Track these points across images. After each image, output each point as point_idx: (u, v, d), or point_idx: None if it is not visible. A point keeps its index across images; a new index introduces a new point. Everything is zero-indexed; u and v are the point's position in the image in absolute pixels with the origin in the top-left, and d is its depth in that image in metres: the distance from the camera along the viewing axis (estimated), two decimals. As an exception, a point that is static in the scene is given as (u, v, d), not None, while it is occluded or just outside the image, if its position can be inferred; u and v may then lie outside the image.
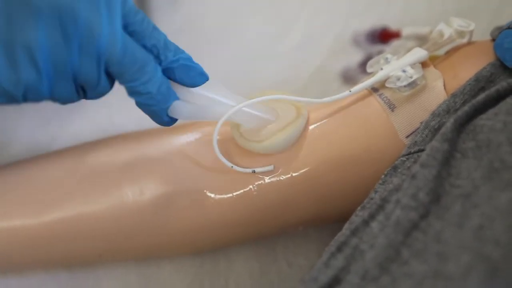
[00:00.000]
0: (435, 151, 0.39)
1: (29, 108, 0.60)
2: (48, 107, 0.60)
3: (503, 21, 0.48)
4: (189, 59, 0.41)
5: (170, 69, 0.40)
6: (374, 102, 0.47)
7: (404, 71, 0.46)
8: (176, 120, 0.42)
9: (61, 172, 0.47)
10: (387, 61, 0.48)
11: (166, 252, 0.50)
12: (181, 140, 0.48)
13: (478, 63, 0.46)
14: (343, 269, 0.38)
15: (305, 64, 0.64)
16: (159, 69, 0.39)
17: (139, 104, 0.40)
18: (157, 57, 0.39)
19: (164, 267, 0.52)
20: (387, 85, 0.46)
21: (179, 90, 0.41)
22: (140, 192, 0.46)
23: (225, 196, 0.46)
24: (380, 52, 0.50)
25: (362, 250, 0.38)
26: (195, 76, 0.40)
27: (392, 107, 0.46)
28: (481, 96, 0.42)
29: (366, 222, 0.40)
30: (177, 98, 0.41)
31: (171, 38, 0.64)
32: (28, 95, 0.36)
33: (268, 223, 0.47)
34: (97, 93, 0.39)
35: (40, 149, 0.57)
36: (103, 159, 0.48)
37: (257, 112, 0.45)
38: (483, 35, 0.51)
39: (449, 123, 0.40)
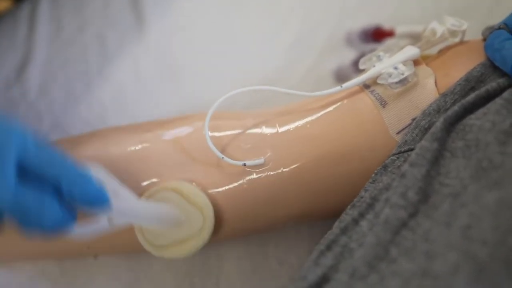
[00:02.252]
0: (425, 150, 0.39)
1: (22, 106, 0.60)
2: (41, 105, 0.60)
3: (496, 21, 0.48)
4: (95, 192, 0.36)
5: (73, 201, 0.36)
6: (366, 98, 0.47)
7: (396, 68, 0.46)
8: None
9: None
10: (379, 58, 0.48)
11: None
12: (172, 133, 0.48)
13: (469, 63, 0.46)
14: (332, 267, 0.38)
15: (298, 63, 0.64)
16: (57, 207, 0.35)
17: None
18: (59, 192, 0.36)
19: (155, 265, 0.52)
20: (378, 81, 0.46)
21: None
22: (130, 185, 0.46)
23: (215, 190, 0.46)
24: (373, 51, 0.50)
25: (351, 248, 0.38)
26: (98, 208, 0.37)
27: (383, 103, 0.46)
28: (471, 96, 0.42)
29: (355, 221, 0.40)
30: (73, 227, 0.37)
31: (164, 38, 0.65)
32: None
33: (258, 218, 0.47)
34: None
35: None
36: (93, 151, 0.48)
37: (159, 214, 0.43)
38: (476, 34, 0.51)
39: (439, 122, 0.41)
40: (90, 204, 0.36)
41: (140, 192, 0.46)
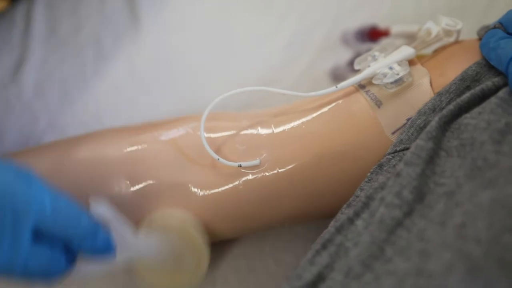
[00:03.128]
0: (420, 149, 0.39)
1: (17, 106, 0.60)
2: (36, 105, 0.60)
3: (491, 20, 0.48)
4: (104, 245, 0.38)
5: (84, 254, 0.38)
6: (361, 98, 0.47)
7: (391, 68, 0.46)
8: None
9: (47, 165, 0.47)
10: (374, 58, 0.48)
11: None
12: (168, 134, 0.49)
13: (464, 62, 0.46)
14: (327, 266, 0.38)
15: (294, 62, 0.64)
16: (63, 263, 0.37)
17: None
18: (71, 247, 0.37)
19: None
20: (373, 81, 0.47)
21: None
22: (126, 186, 0.46)
23: (211, 191, 0.46)
24: (368, 50, 0.50)
25: (347, 247, 0.38)
26: (106, 257, 0.39)
27: (378, 103, 0.46)
28: (466, 95, 0.42)
29: (351, 220, 0.40)
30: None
31: (160, 38, 0.65)
32: None
33: (254, 218, 0.47)
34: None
35: (28, 145, 0.58)
36: (90, 153, 0.48)
37: (157, 250, 0.44)
38: (472, 33, 0.51)
39: (434, 121, 0.41)
40: (98, 255, 0.38)
41: (136, 198, 0.46)
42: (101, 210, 0.39)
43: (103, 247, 0.38)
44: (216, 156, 0.45)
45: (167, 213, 0.46)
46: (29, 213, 0.34)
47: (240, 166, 0.45)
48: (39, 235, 0.35)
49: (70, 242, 0.37)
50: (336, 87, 0.46)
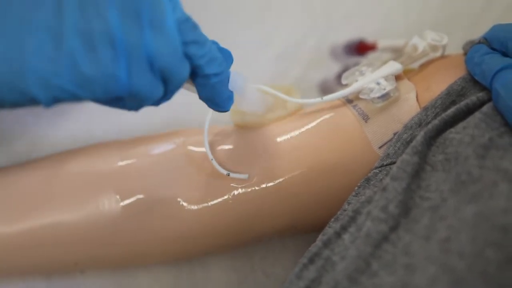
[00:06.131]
0: (405, 164, 0.40)
1: (7, 117, 0.60)
2: (27, 116, 0.60)
3: (478, 34, 0.49)
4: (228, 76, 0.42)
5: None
6: (349, 113, 0.47)
7: (378, 83, 0.46)
8: (231, 104, 0.43)
9: (37, 180, 0.47)
10: (361, 73, 0.49)
11: (142, 260, 0.50)
12: (158, 148, 0.49)
13: (450, 76, 0.46)
14: (314, 280, 0.38)
15: (283, 75, 0.64)
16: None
17: (207, 82, 0.40)
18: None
19: (142, 277, 0.52)
20: (361, 96, 0.47)
21: None
22: (115, 201, 0.46)
23: (200, 205, 0.46)
24: (357, 64, 0.51)
25: (334, 261, 0.39)
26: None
27: (365, 118, 0.46)
28: (451, 110, 0.42)
29: (338, 234, 0.40)
30: None
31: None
32: (107, 87, 0.33)
33: (243, 232, 0.48)
34: (175, 84, 0.36)
35: (18, 158, 0.57)
36: (80, 168, 0.48)
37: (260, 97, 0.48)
38: (458, 47, 0.51)
39: (420, 136, 0.41)
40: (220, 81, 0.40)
41: (126, 212, 0.46)
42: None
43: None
44: (211, 156, 0.46)
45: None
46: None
47: (228, 175, 0.46)
48: None
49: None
50: (322, 98, 0.47)
